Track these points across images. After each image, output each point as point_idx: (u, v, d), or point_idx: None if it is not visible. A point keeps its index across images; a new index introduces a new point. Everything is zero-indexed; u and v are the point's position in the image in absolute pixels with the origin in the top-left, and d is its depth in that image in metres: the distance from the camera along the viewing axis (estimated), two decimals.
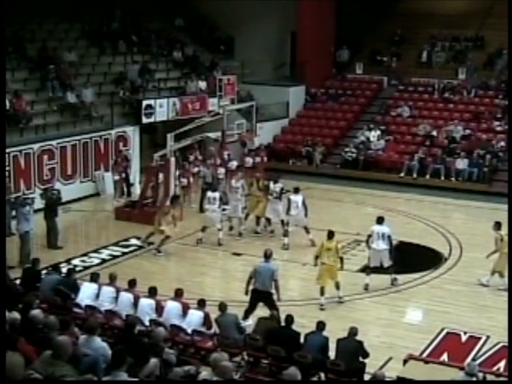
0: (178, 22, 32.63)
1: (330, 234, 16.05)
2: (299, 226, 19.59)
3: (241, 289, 16.15)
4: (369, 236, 16.79)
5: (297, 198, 19.50)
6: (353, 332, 12.00)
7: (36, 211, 19.04)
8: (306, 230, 19.46)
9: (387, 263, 16.66)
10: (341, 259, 15.94)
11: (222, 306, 12.73)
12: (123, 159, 24.65)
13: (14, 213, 18.70)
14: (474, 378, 10.41)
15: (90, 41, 28.08)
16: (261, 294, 14.13)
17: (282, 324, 12.43)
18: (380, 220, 16.94)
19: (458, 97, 30.51)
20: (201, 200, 21.82)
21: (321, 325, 12.23)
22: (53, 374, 7.21)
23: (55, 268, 14.75)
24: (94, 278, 14.07)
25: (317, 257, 15.94)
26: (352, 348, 11.75)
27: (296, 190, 19.75)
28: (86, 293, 13.59)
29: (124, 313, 12.88)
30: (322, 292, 15.64)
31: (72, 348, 7.76)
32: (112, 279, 13.80)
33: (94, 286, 13.74)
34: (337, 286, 15.87)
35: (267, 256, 14.48)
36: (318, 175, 27.63)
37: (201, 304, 12.93)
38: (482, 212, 22.83)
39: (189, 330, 12.40)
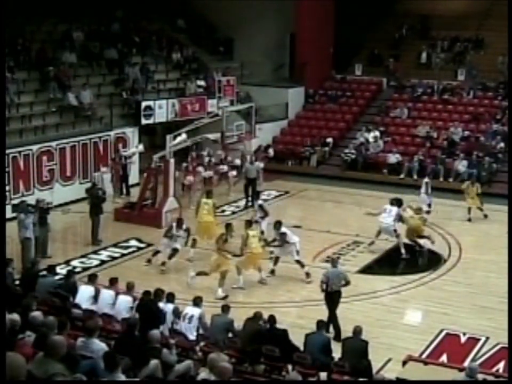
0: (180, 23, 32.67)
1: (249, 223, 17.63)
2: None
3: (241, 290, 16.19)
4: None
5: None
6: (357, 330, 12.01)
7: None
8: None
9: None
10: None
11: (224, 307, 12.76)
12: (120, 158, 24.65)
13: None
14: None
15: (90, 42, 28.05)
16: (331, 294, 14.53)
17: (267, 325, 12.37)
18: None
19: (457, 99, 30.54)
20: (247, 194, 23.43)
21: (321, 324, 12.22)
22: (45, 373, 7.21)
23: (50, 270, 14.71)
24: (92, 279, 14.07)
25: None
26: (359, 348, 11.75)
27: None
28: (83, 296, 13.55)
29: (120, 317, 12.86)
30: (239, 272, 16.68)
31: (65, 348, 7.74)
32: (112, 283, 13.78)
33: (90, 289, 13.68)
34: (259, 269, 16.97)
35: (334, 262, 15.06)
36: (317, 177, 27.63)
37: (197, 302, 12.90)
38: (482, 213, 22.82)
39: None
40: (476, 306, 16.11)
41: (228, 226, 17.23)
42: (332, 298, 14.53)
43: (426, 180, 23.66)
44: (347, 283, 14.71)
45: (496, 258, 18.89)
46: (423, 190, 23.25)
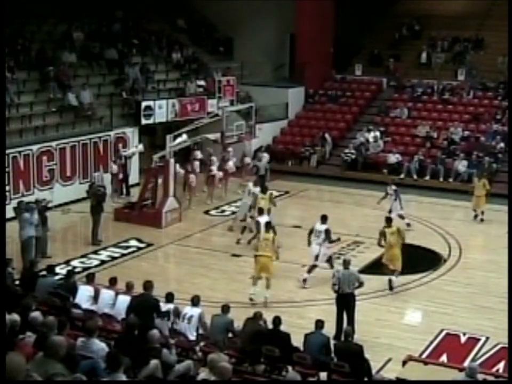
0: (180, 23, 32.67)
1: (268, 225, 16.99)
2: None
3: (241, 291, 16.16)
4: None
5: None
6: (347, 333, 11.98)
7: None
8: None
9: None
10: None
11: (224, 307, 12.72)
12: (120, 158, 24.66)
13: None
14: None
15: (90, 42, 28.05)
16: (345, 297, 14.25)
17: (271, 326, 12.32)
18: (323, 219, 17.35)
19: (457, 99, 30.55)
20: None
21: (320, 324, 12.19)
22: (45, 373, 7.21)
23: (50, 270, 14.70)
24: (90, 278, 14.07)
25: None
26: (353, 352, 11.63)
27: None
28: (83, 296, 13.54)
29: (120, 317, 12.85)
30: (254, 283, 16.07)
31: (66, 348, 7.74)
32: (112, 283, 13.77)
33: (90, 289, 13.68)
34: (268, 286, 15.93)
35: (346, 263, 14.64)
36: (317, 177, 27.63)
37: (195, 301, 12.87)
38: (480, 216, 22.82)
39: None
40: (476, 306, 16.10)
41: (388, 218, 17.41)
42: (345, 301, 14.21)
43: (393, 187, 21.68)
44: (360, 284, 14.52)
45: (496, 258, 18.90)
46: (394, 197, 21.39)
